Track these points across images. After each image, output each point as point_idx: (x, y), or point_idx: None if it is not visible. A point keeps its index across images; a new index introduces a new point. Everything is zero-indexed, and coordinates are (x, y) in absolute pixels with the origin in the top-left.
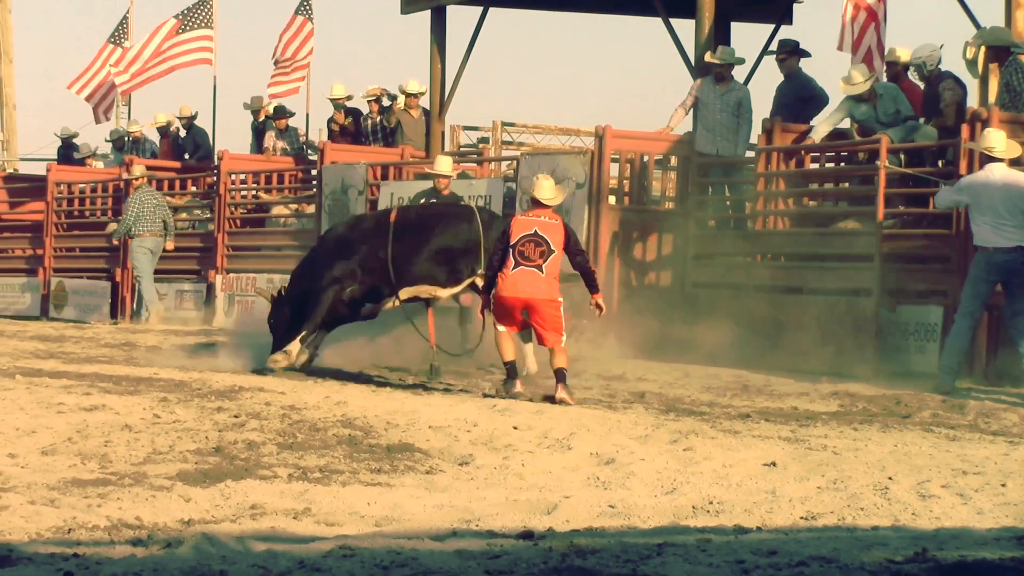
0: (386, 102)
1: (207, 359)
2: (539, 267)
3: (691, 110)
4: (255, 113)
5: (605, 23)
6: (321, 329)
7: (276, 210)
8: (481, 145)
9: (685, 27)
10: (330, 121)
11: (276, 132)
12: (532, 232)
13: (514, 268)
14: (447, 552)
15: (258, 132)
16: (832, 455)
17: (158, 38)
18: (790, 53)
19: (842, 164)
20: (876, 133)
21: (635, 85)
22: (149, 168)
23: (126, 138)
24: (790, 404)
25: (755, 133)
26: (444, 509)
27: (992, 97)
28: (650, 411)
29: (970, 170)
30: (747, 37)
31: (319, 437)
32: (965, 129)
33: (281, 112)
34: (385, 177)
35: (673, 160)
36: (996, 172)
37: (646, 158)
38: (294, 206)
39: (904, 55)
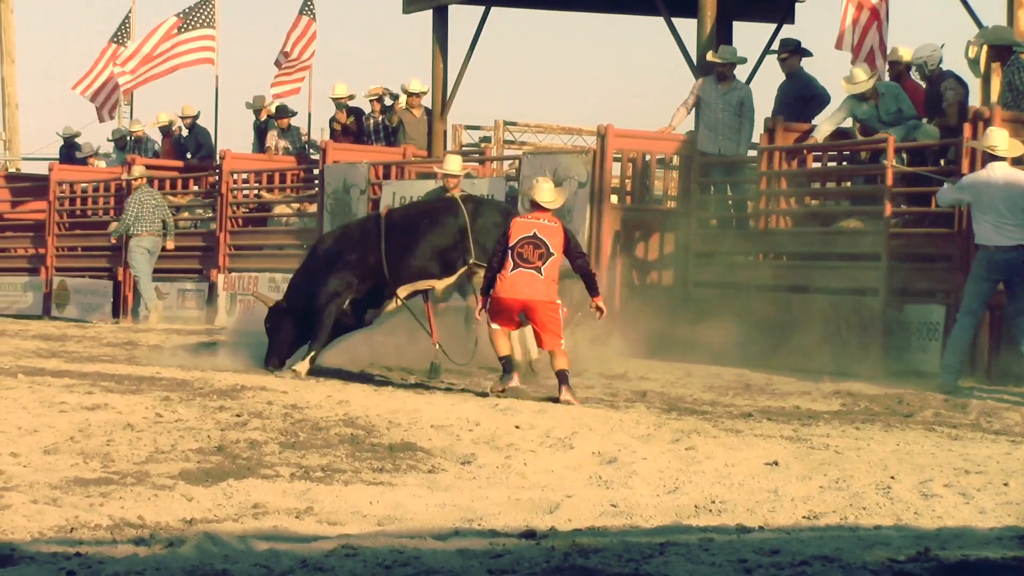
0: (388, 101)
1: (209, 358)
2: (538, 269)
3: (693, 109)
4: (257, 112)
5: (607, 22)
6: (327, 344)
7: (278, 209)
8: (483, 144)
9: (687, 26)
10: (332, 120)
11: (278, 131)
12: (531, 234)
13: (512, 270)
14: (449, 551)
15: (260, 131)
16: (834, 454)
17: (158, 35)
18: (792, 52)
19: (844, 163)
20: (878, 132)
21: (637, 84)
22: (151, 167)
23: (128, 137)
24: (792, 403)
25: (757, 132)
26: (446, 508)
27: (994, 96)
28: (652, 410)
29: (972, 169)
30: (749, 36)
31: (321, 436)
32: (967, 128)
33: (283, 111)
34: (387, 176)
35: (675, 159)
36: (998, 171)
37: (648, 157)
38: (296, 205)
39: (906, 54)
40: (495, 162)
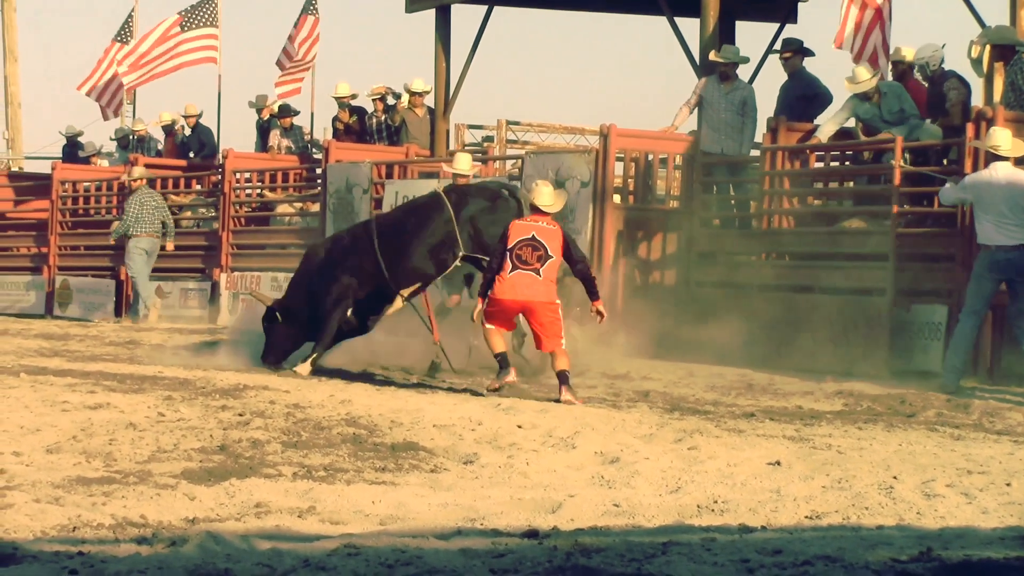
0: (391, 101)
1: (211, 358)
2: (536, 271)
3: (696, 109)
4: (260, 111)
5: (610, 22)
6: (329, 348)
7: (281, 209)
8: (486, 144)
9: (690, 26)
10: (335, 120)
11: (281, 131)
12: (529, 236)
13: (512, 271)
14: (452, 551)
15: (263, 131)
16: (837, 454)
17: (158, 32)
18: (794, 52)
19: (847, 163)
20: (881, 132)
21: (640, 84)
22: (154, 167)
23: (131, 137)
24: (795, 403)
25: (760, 132)
26: (449, 508)
27: (997, 96)
28: (654, 410)
29: (975, 169)
30: (752, 36)
31: (324, 435)
32: (970, 128)
33: (286, 110)
34: (390, 176)
35: (678, 159)
36: (1000, 170)
37: (651, 157)
38: (299, 205)
39: (909, 54)
40: (498, 162)
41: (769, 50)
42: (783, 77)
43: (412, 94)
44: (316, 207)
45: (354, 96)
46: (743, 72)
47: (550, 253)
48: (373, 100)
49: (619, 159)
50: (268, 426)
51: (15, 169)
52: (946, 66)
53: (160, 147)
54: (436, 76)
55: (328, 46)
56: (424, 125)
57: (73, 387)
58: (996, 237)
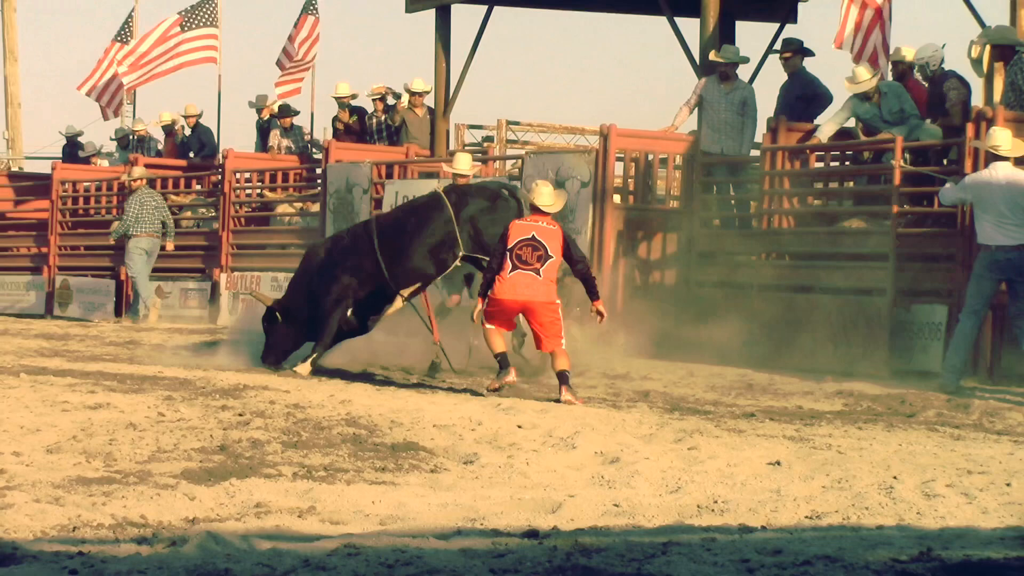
0: (391, 101)
1: (211, 358)
2: (536, 271)
3: (696, 109)
4: (260, 111)
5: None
6: (329, 348)
7: (281, 209)
8: (486, 144)
9: (690, 26)
10: (335, 120)
11: (281, 131)
12: (529, 236)
13: (512, 271)
14: (452, 551)
15: (263, 131)
16: (837, 454)
17: (158, 32)
18: (794, 52)
19: (847, 163)
20: (880, 132)
21: (640, 84)
22: (154, 167)
23: (131, 137)
24: (795, 403)
25: (760, 132)
26: (449, 508)
27: (997, 96)
28: (654, 410)
29: (975, 169)
30: (752, 36)
31: (324, 435)
32: (970, 128)
33: (286, 110)
34: (390, 176)
35: (678, 159)
36: (1000, 170)
37: (651, 157)
38: (299, 205)
39: (909, 54)
40: (498, 162)
41: (769, 50)
42: (783, 77)
43: (412, 94)
44: (316, 207)
45: (354, 96)
46: (743, 72)
47: (550, 253)
48: (373, 100)
49: (619, 159)
50: (268, 426)
51: (15, 169)
52: (946, 66)
53: (160, 147)
54: (436, 76)
55: (328, 46)
56: (424, 125)
57: (73, 387)
58: (996, 237)
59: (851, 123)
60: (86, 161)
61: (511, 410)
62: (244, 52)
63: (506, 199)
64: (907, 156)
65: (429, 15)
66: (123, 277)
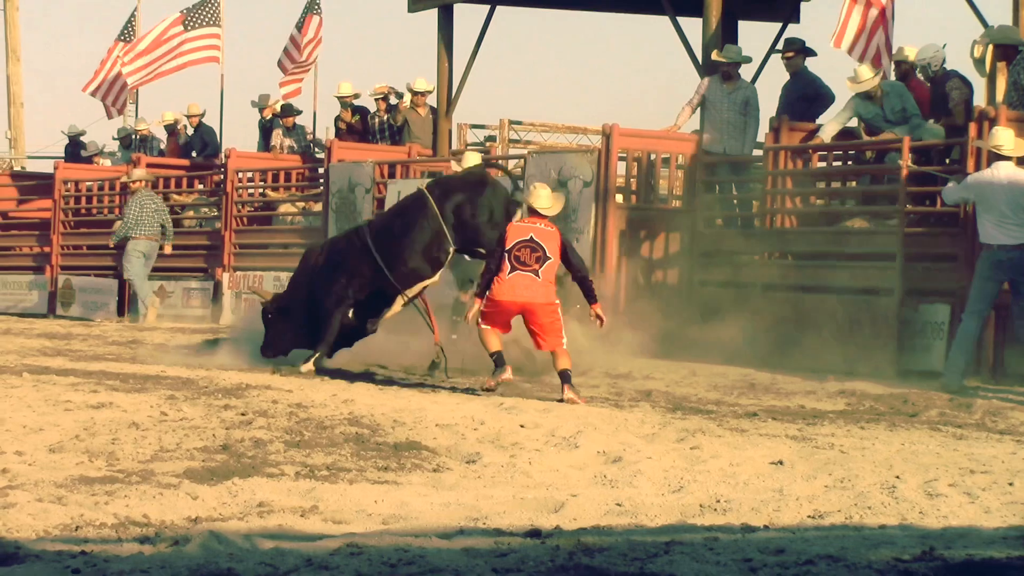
0: (393, 100)
1: (214, 357)
2: (535, 272)
3: (698, 109)
4: (262, 111)
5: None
6: (336, 347)
7: (283, 208)
8: (488, 143)
9: (692, 25)
10: (337, 119)
11: (283, 130)
12: (528, 238)
13: (510, 273)
14: (454, 550)
15: (265, 130)
16: (839, 454)
17: (159, 29)
18: (796, 52)
19: (849, 163)
20: (883, 132)
21: (642, 83)
22: (157, 166)
23: (133, 136)
24: (797, 403)
25: (762, 132)
26: (451, 507)
27: (1000, 95)
28: (657, 409)
29: (978, 168)
30: (754, 36)
31: (326, 435)
32: (973, 127)
33: (288, 110)
34: (392, 175)
35: (680, 158)
36: (1002, 170)
37: (653, 156)
38: (301, 204)
39: (912, 54)
40: (500, 161)
41: (772, 50)
42: (785, 77)
43: (414, 93)
44: (318, 207)
45: (356, 96)
46: (746, 72)
47: (548, 255)
48: (376, 99)
49: (622, 159)
50: (271, 425)
51: (18, 168)
52: (948, 66)
53: (162, 146)
54: (438, 75)
55: (331, 46)
56: (426, 125)
57: (76, 386)
58: (997, 236)
59: (853, 123)
60: (88, 161)
61: (514, 409)
62: (246, 52)
63: (491, 184)
64: (911, 155)
65: (431, 15)
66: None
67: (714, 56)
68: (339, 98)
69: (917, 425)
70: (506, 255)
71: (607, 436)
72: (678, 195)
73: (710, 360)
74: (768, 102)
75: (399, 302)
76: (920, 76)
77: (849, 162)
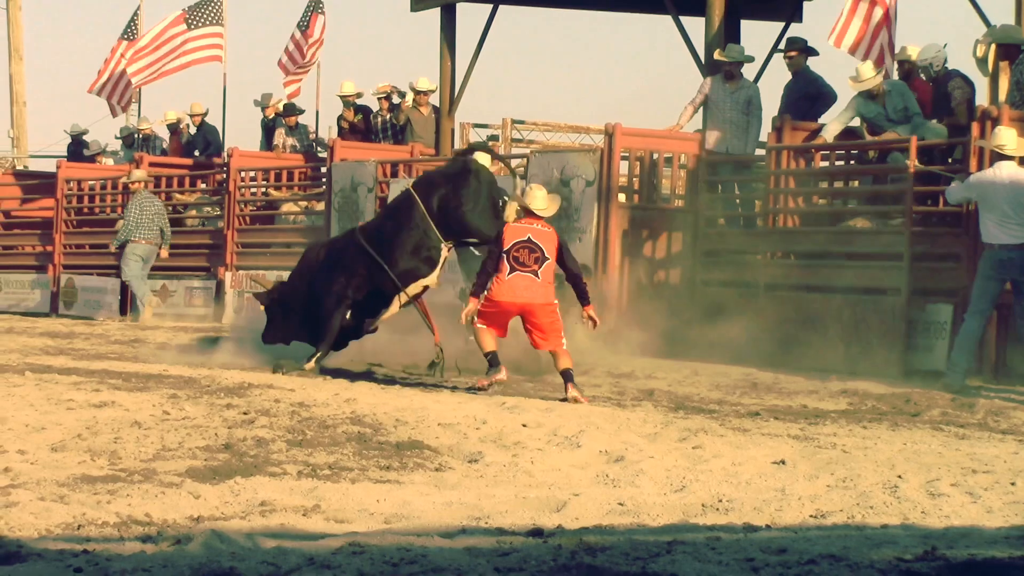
0: (396, 99)
1: (216, 356)
2: (535, 272)
3: (701, 108)
4: (264, 110)
5: (615, 21)
6: (332, 348)
7: (286, 207)
8: (491, 143)
9: (695, 25)
10: (340, 118)
11: (286, 129)
12: (525, 239)
13: (510, 273)
14: (456, 549)
15: (268, 129)
16: (841, 453)
17: (161, 27)
18: (798, 51)
19: (852, 162)
20: (885, 131)
21: (645, 83)
22: (159, 165)
23: (136, 135)
24: (799, 402)
25: (765, 131)
26: (453, 506)
27: (1002, 95)
28: (659, 409)
29: (981, 168)
30: (757, 35)
31: (328, 434)
32: (975, 127)
33: (291, 109)
34: (395, 175)
35: (683, 158)
36: (1004, 170)
37: (656, 156)
38: (304, 203)
39: (914, 53)
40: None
41: (774, 49)
42: (788, 76)
43: (417, 93)
44: (321, 206)
45: (359, 95)
46: (748, 71)
47: (546, 255)
48: (378, 99)
49: (624, 158)
50: (273, 424)
51: (20, 167)
52: (950, 65)
53: (165, 146)
54: (441, 75)
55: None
56: (429, 124)
57: (78, 385)
58: (999, 236)
59: (856, 122)
60: (91, 160)
61: (516, 409)
62: (249, 51)
63: (473, 172)
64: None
65: (434, 14)
66: None
67: (716, 55)
68: (342, 97)
69: (919, 425)
70: (504, 256)
71: (609, 435)
72: (681, 195)
73: (712, 360)
74: (770, 101)
75: (396, 303)
76: (922, 76)
77: (852, 162)
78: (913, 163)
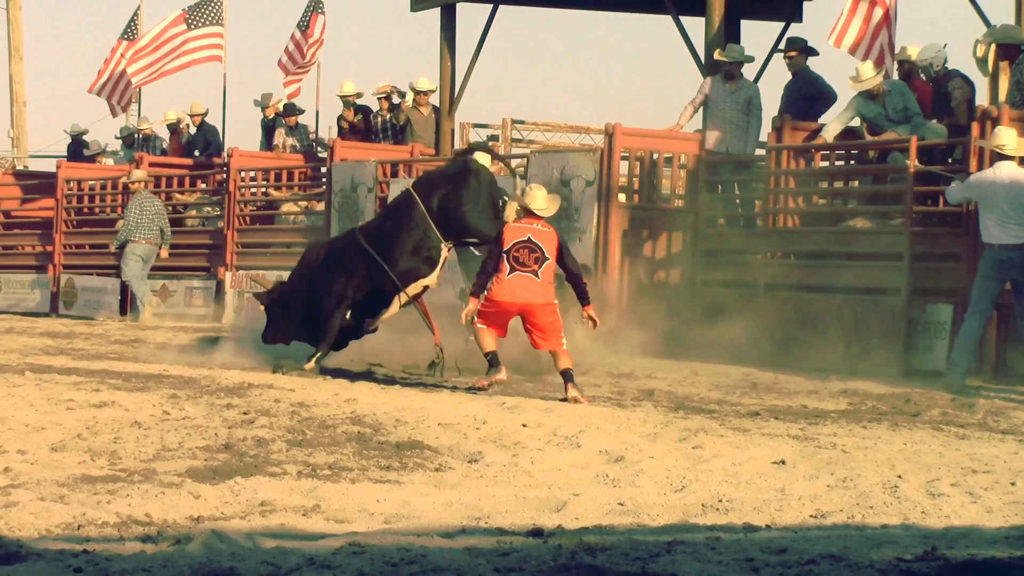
0: (396, 99)
1: (216, 356)
2: (535, 272)
3: (700, 108)
4: (264, 110)
5: (615, 21)
6: (332, 347)
7: (286, 207)
8: (491, 143)
9: (695, 25)
10: (340, 118)
11: (286, 129)
12: (525, 239)
13: (510, 273)
14: (456, 549)
15: (268, 129)
16: (841, 453)
17: (161, 27)
18: (798, 51)
19: (852, 162)
20: (885, 131)
21: (645, 83)
22: (159, 165)
23: (136, 135)
24: (799, 402)
25: (765, 131)
26: (453, 506)
27: (1002, 95)
28: (659, 409)
29: (981, 168)
30: (757, 35)
31: (328, 434)
32: (975, 127)
33: (291, 109)
34: (395, 175)
35: (683, 158)
36: (1004, 170)
37: (656, 156)
38: (304, 203)
39: (915, 53)
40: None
41: (774, 49)
42: (787, 76)
43: (417, 93)
44: (321, 206)
45: (359, 95)
46: (748, 71)
47: (547, 255)
48: (378, 99)
49: (624, 158)
50: (273, 424)
51: (20, 167)
52: (950, 65)
53: (165, 146)
54: (441, 75)
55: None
56: (429, 124)
57: (78, 385)
58: (999, 236)
59: (856, 122)
60: (91, 160)
61: (516, 409)
62: (249, 51)
63: (475, 171)
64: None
65: (434, 14)
66: None
67: (716, 55)
68: (342, 97)
69: (919, 425)
70: (504, 256)
71: (609, 435)
72: (681, 195)
73: (712, 360)
74: (770, 101)
75: (396, 303)
76: (922, 76)
77: (852, 162)
78: (913, 163)
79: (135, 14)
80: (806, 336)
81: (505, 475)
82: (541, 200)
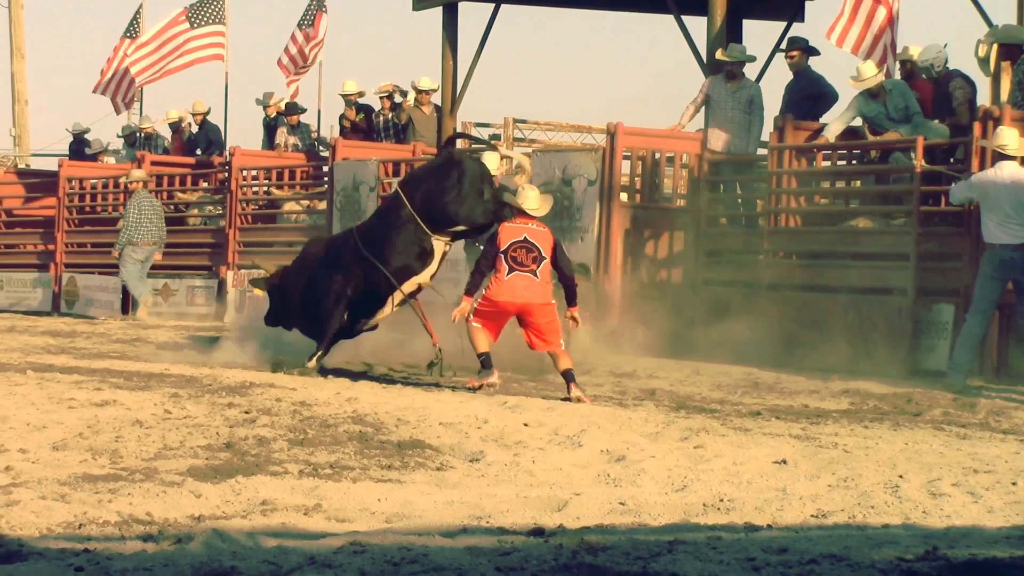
0: (398, 98)
1: (217, 355)
2: (534, 272)
3: (702, 108)
4: (266, 109)
5: (617, 20)
6: (331, 344)
7: (287, 206)
8: (493, 142)
9: (697, 24)
10: (342, 117)
11: (288, 128)
12: (522, 238)
13: (509, 273)
14: (458, 549)
15: (270, 128)
16: (843, 453)
17: (163, 24)
18: (800, 51)
19: (853, 162)
20: (886, 130)
21: (647, 82)
22: (161, 164)
23: (138, 134)
24: (801, 402)
25: (766, 131)
26: (455, 506)
27: (1004, 95)
28: (661, 408)
29: (983, 168)
30: (758, 35)
31: (330, 433)
32: (977, 127)
33: (293, 108)
34: (397, 174)
35: (685, 157)
36: (1005, 170)
37: (657, 155)
38: (305, 202)
39: (916, 53)
40: (504, 160)
41: (776, 49)
42: (789, 76)
43: (419, 92)
44: (323, 205)
45: (361, 94)
46: (750, 71)
47: (543, 254)
48: (380, 98)
49: (626, 157)
50: (274, 424)
51: (22, 166)
52: (951, 65)
53: (167, 144)
54: (443, 74)
55: (335, 44)
56: (431, 123)
57: (79, 384)
58: (1000, 236)
59: (858, 122)
60: (93, 158)
61: (517, 408)
62: (251, 49)
63: (458, 161)
64: (911, 155)
65: (436, 13)
66: None
67: (718, 55)
68: (343, 96)
69: (921, 424)
70: (501, 256)
71: (611, 435)
72: (682, 194)
73: (714, 359)
74: (772, 101)
75: (391, 303)
76: (924, 76)
77: (853, 161)
78: (920, 163)
79: (137, 12)
80: (808, 336)
81: (506, 474)
82: (534, 200)
